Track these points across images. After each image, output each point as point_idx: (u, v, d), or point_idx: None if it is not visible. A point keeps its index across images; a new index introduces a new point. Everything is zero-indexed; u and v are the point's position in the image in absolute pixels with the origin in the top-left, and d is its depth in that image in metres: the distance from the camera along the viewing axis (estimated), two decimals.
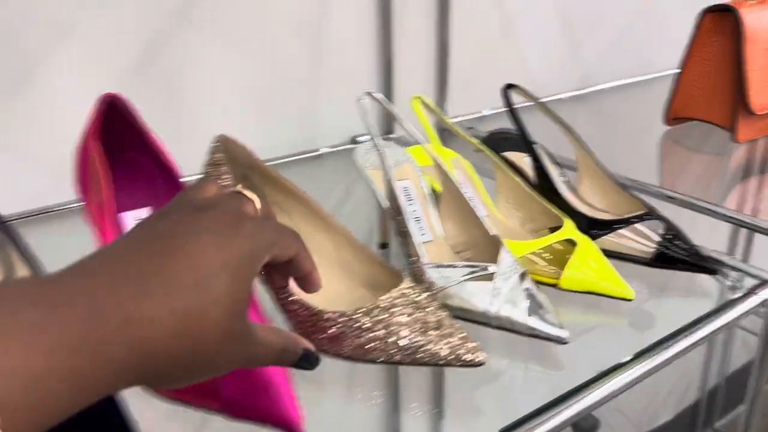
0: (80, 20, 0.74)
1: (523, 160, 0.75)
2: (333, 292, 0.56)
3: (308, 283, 0.40)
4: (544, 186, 0.69)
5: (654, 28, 1.32)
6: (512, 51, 1.15)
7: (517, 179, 0.67)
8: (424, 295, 0.52)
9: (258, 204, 0.36)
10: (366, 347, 0.49)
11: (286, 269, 0.38)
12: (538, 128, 0.77)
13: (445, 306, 0.55)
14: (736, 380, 1.67)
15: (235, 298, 0.30)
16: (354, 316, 0.49)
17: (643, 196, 0.68)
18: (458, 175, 0.70)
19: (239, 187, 0.37)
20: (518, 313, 0.53)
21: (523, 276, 0.55)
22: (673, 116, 1.01)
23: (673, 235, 0.63)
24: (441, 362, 0.48)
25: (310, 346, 0.38)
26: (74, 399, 0.25)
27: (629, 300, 0.57)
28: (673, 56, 1.18)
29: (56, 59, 0.74)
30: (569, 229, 0.62)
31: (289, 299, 0.51)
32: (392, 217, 0.60)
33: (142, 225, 0.32)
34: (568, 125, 0.72)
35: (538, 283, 0.60)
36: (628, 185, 0.75)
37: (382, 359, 0.49)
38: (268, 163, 0.91)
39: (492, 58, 1.12)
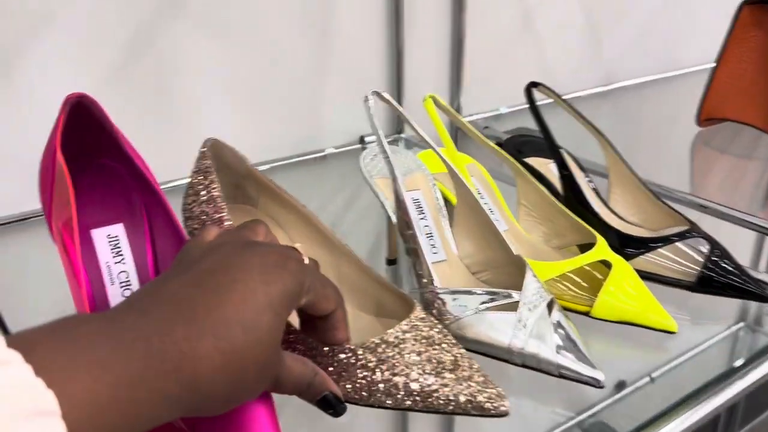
0: (57, 10, 0.67)
1: (548, 167, 0.68)
2: None
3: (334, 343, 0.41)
4: (571, 196, 0.62)
5: (683, 21, 1.24)
6: (531, 45, 1.07)
7: (542, 188, 0.60)
8: (439, 327, 0.45)
9: (305, 258, 0.37)
10: (371, 389, 0.42)
11: (318, 325, 0.40)
12: (561, 129, 0.70)
13: (460, 339, 0.48)
14: (756, 390, 1.60)
15: (275, 334, 0.32)
16: (357, 353, 0.42)
17: (672, 204, 0.61)
18: (475, 183, 0.63)
19: (297, 246, 0.38)
20: (546, 349, 0.46)
21: (551, 305, 0.48)
22: (706, 117, 0.94)
23: (718, 255, 0.55)
24: (458, 410, 0.41)
25: (338, 391, 0.39)
26: (130, 428, 0.27)
27: (671, 333, 0.50)
28: (703, 51, 1.10)
29: (32, 53, 0.67)
30: (603, 248, 0.55)
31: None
32: (401, 233, 0.53)
33: (191, 257, 0.34)
34: (597, 128, 0.65)
35: (567, 310, 0.53)
36: (655, 191, 0.68)
37: (389, 404, 0.42)
38: (267, 166, 0.86)
39: (509, 52, 1.04)
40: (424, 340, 0.43)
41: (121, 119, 0.75)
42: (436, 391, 0.41)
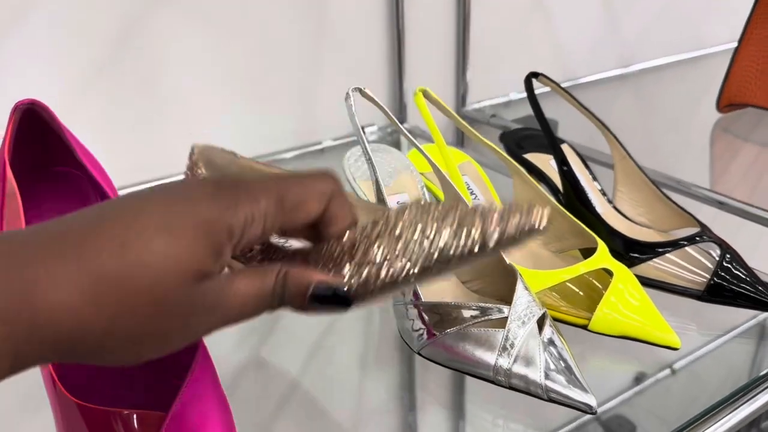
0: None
1: (549, 164, 0.64)
2: None
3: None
4: (571, 195, 0.58)
5: None
6: (542, 25, 1.02)
7: (539, 188, 0.56)
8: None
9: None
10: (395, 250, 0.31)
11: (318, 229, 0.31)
12: (569, 118, 0.65)
13: (443, 356, 0.45)
14: None
15: (180, 263, 0.25)
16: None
17: (688, 201, 0.57)
18: (468, 183, 0.60)
19: None
20: (534, 371, 0.42)
21: (542, 321, 0.44)
22: (727, 102, 0.88)
23: (729, 261, 0.51)
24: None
25: (325, 278, 0.29)
26: None
27: (674, 349, 0.47)
28: (726, 30, 1.04)
29: (9, 46, 0.64)
30: (603, 255, 0.50)
31: None
32: None
33: None
34: (601, 120, 0.60)
35: (562, 323, 0.50)
36: (670, 186, 0.63)
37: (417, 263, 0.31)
38: (262, 159, 0.83)
39: (519, 33, 0.99)
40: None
41: (107, 117, 0.73)
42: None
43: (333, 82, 0.85)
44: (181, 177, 0.78)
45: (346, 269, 0.30)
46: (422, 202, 0.33)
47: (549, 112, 0.63)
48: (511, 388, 0.43)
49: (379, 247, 0.30)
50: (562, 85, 0.63)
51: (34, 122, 0.42)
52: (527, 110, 0.90)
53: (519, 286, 0.46)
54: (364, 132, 0.52)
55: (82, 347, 0.25)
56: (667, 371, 0.50)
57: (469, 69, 0.94)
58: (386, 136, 0.89)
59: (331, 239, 0.31)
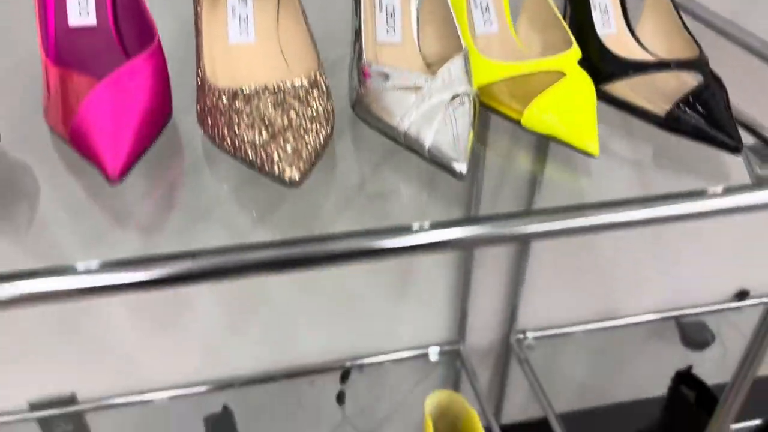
0: None
1: None
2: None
3: None
4: (578, 7, 0.55)
5: None
6: None
7: None
8: (316, 93, 0.45)
9: None
10: (223, 134, 0.45)
11: None
12: None
13: (368, 114, 0.48)
14: None
15: None
16: (234, 99, 0.44)
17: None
18: None
19: None
20: (426, 133, 0.44)
21: (461, 97, 0.45)
22: None
23: (701, 93, 0.47)
24: (255, 167, 0.43)
25: None
26: None
27: (592, 156, 0.46)
28: None
29: None
30: (568, 58, 0.49)
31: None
32: (355, 2, 0.52)
33: None
34: None
35: (501, 115, 0.50)
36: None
37: (227, 150, 0.45)
38: None
39: None
40: (290, 99, 0.44)
41: None
42: (246, 142, 0.43)
43: None
44: None
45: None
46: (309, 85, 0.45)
47: None
48: (408, 148, 0.45)
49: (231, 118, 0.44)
50: None
51: None
52: None
53: (456, 60, 0.46)
54: None
55: None
56: None
57: None
58: None
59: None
